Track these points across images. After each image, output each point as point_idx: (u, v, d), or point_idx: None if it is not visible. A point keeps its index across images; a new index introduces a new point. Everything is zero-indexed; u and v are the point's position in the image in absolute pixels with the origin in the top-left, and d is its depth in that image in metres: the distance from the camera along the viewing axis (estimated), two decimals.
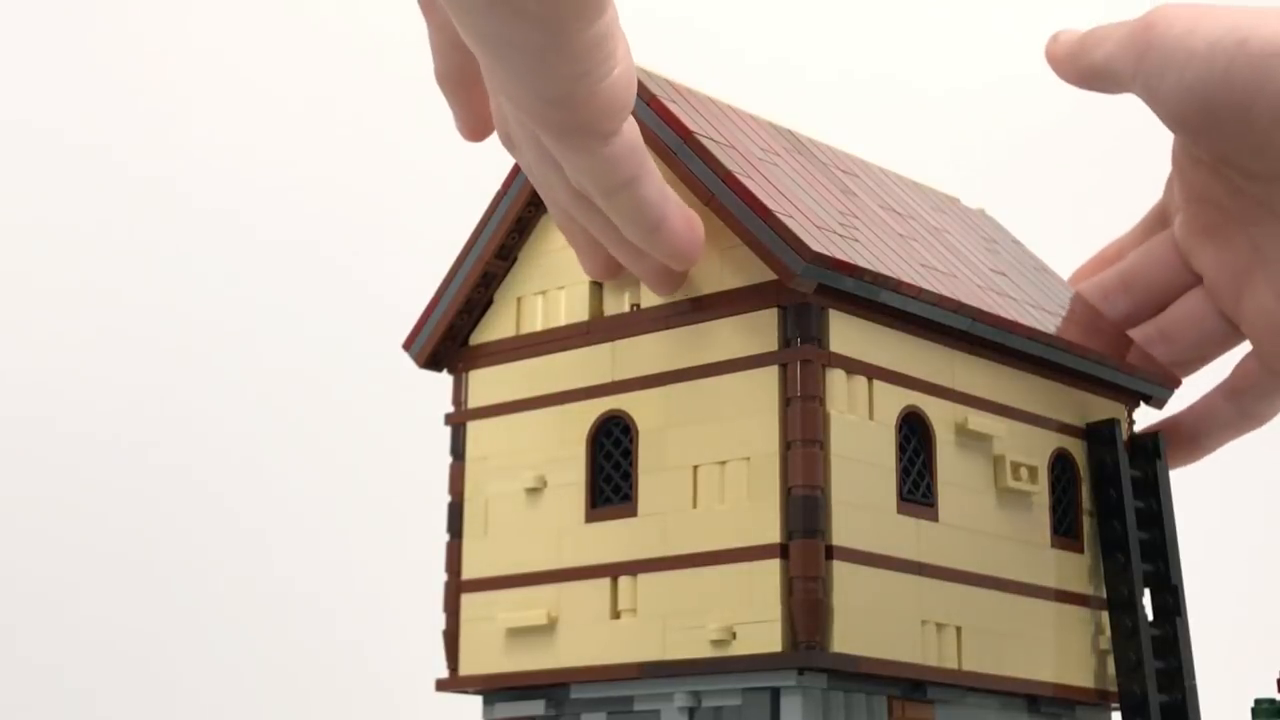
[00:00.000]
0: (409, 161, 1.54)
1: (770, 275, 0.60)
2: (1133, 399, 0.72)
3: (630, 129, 0.56)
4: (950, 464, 0.64)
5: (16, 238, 1.53)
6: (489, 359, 0.68)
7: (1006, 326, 0.65)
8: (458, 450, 0.68)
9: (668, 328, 0.63)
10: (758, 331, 0.60)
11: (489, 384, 0.67)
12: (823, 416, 0.59)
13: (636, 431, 0.63)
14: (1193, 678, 0.68)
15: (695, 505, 0.61)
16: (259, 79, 1.58)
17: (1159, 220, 0.77)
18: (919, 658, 0.61)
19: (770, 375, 0.60)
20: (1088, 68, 0.72)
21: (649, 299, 0.64)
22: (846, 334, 0.61)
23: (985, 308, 0.65)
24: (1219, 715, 0.74)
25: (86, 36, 1.57)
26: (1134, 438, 0.71)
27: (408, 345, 0.69)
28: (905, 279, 0.62)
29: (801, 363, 0.59)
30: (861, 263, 0.60)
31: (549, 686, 0.64)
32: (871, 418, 0.61)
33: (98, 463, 1.50)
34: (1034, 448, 0.67)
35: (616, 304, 0.65)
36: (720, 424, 0.61)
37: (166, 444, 1.51)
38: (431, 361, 0.69)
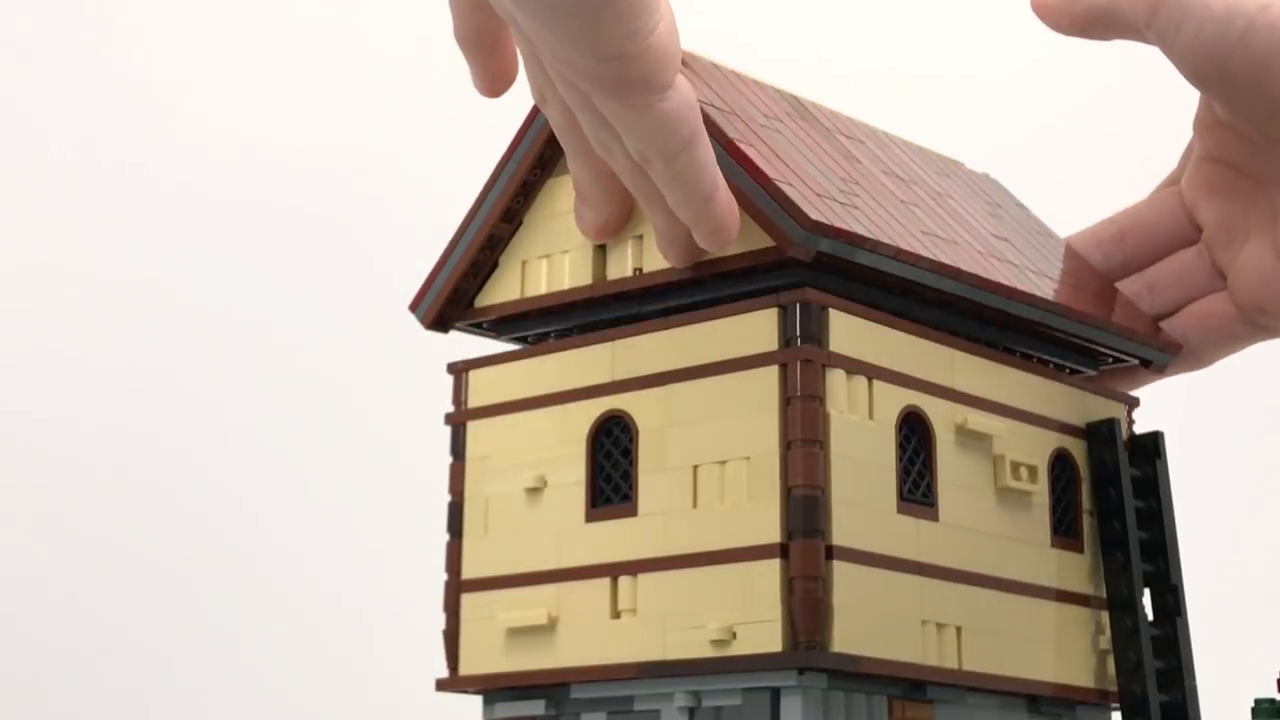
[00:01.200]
0: (412, 134, 1.54)
1: (771, 251, 0.60)
2: (1141, 366, 0.72)
3: (684, 84, 0.56)
4: (950, 464, 0.64)
5: (17, 231, 1.53)
6: (490, 361, 0.68)
7: (1005, 293, 0.65)
8: (458, 450, 0.68)
9: (668, 327, 0.63)
10: (758, 331, 0.60)
11: (489, 384, 0.67)
12: (823, 416, 0.59)
13: (636, 431, 0.63)
14: (1193, 678, 0.68)
15: (695, 505, 0.61)
16: (255, 69, 1.58)
17: (1171, 186, 0.77)
18: (919, 658, 0.61)
19: (770, 375, 0.60)
20: (1088, 11, 0.70)
21: (651, 263, 0.64)
22: (846, 334, 0.61)
23: (985, 274, 0.65)
24: (1219, 715, 0.74)
25: (71, 17, 1.57)
26: (1134, 437, 0.71)
27: (414, 307, 0.69)
28: (905, 246, 0.62)
29: (802, 362, 0.59)
30: (861, 230, 0.60)
31: (549, 686, 0.64)
32: (871, 417, 0.61)
33: (93, 461, 1.50)
34: (1034, 447, 0.67)
35: (620, 268, 0.65)
36: (720, 424, 0.61)
37: (166, 443, 1.51)
38: (438, 322, 0.69)
